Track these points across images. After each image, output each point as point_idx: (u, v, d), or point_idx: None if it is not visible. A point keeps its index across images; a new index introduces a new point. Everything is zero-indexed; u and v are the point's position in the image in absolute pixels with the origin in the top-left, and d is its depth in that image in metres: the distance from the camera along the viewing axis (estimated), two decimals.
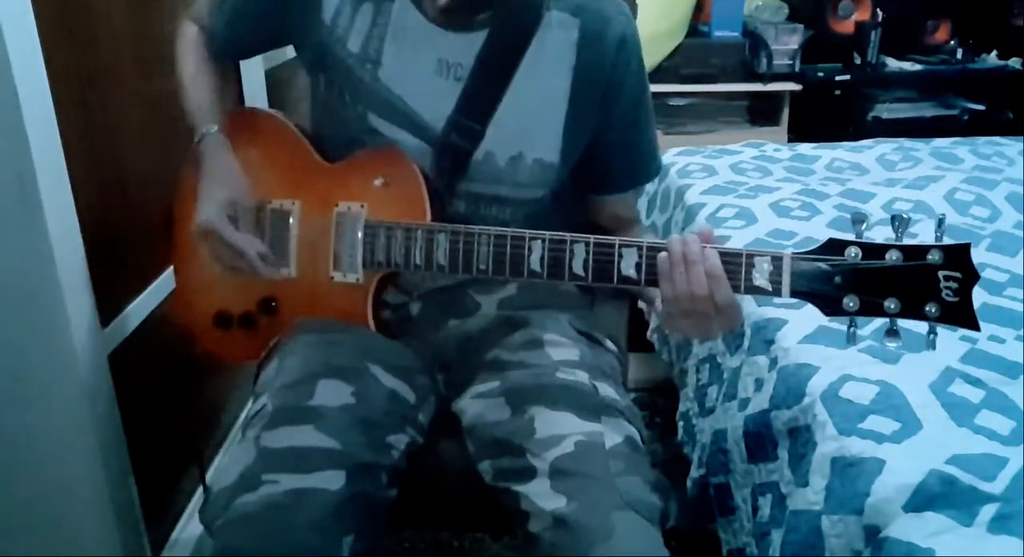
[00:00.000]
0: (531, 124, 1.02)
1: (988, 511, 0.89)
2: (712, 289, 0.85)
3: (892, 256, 0.83)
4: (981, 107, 2.87)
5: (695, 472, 1.36)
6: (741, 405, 1.25)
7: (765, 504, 1.14)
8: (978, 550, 0.85)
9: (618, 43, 1.01)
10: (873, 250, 0.83)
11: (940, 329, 1.20)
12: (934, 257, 0.82)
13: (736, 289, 0.86)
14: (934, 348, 0.85)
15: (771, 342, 1.25)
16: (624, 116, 1.05)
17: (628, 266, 0.90)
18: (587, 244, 0.92)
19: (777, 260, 0.86)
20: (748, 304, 1.36)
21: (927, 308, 0.83)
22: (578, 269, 0.92)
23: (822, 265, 0.85)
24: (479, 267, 0.96)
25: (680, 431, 1.54)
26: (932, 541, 0.87)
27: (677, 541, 1.01)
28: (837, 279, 0.84)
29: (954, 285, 0.82)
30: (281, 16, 1.06)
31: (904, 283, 0.83)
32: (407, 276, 1.07)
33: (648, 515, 0.86)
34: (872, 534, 0.92)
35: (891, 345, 0.85)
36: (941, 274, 0.82)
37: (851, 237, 0.84)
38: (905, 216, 0.84)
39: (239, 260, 1.02)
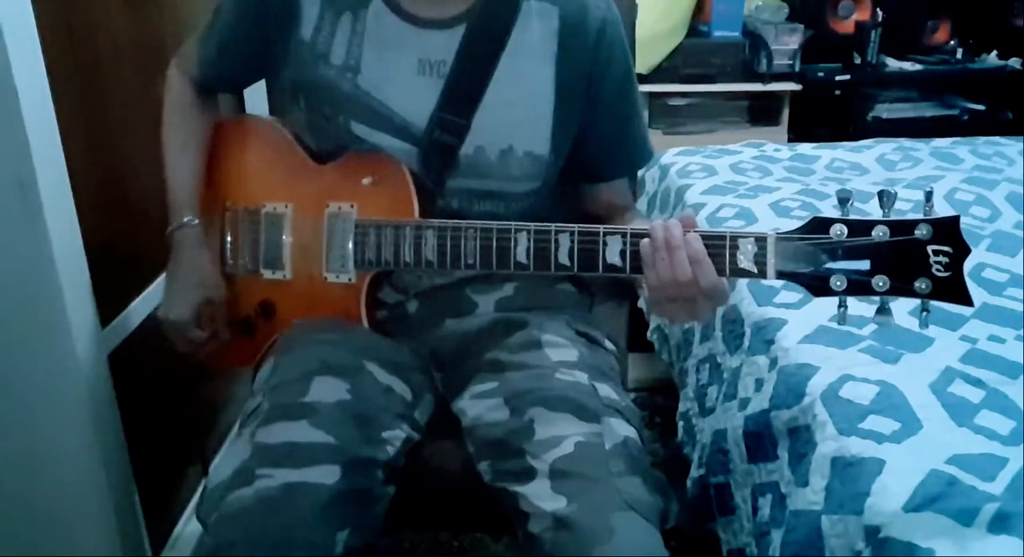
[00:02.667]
0: (519, 116, 1.01)
1: (988, 511, 0.88)
2: (696, 274, 0.84)
3: (879, 232, 0.81)
4: (981, 107, 2.87)
5: (695, 472, 1.36)
6: (741, 405, 1.25)
7: (765, 504, 1.14)
8: (978, 550, 0.85)
9: (598, 29, 1.01)
10: (859, 227, 0.82)
11: (940, 328, 1.22)
12: (922, 232, 0.80)
13: (721, 272, 0.85)
14: (927, 326, 0.83)
15: (771, 342, 1.25)
16: (611, 102, 1.05)
17: (613, 254, 0.90)
18: (571, 233, 0.91)
19: (761, 241, 0.85)
20: (748, 304, 1.36)
21: (917, 284, 0.81)
22: (564, 259, 0.92)
23: (808, 244, 0.83)
24: (467, 262, 0.96)
25: (680, 431, 1.54)
26: (932, 541, 0.86)
27: (677, 541, 1.01)
28: (824, 258, 0.83)
29: (945, 259, 0.80)
30: (263, 39, 1.05)
31: (893, 259, 0.81)
32: (403, 275, 1.08)
33: (648, 515, 0.86)
34: (872, 534, 0.92)
35: (883, 324, 0.84)
36: (930, 249, 0.80)
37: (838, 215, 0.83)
38: (892, 191, 0.82)
39: (198, 353, 1.11)
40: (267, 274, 1.10)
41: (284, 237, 1.08)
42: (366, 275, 1.03)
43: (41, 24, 1.05)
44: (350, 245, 1.02)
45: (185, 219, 1.08)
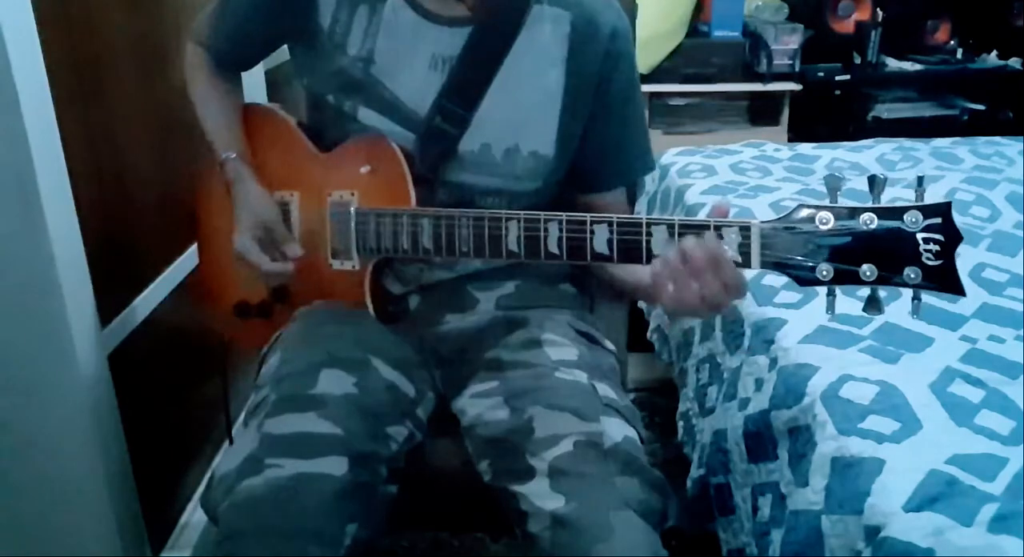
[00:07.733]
0: (526, 116, 1.02)
1: (988, 511, 0.88)
2: (721, 280, 0.81)
3: (866, 219, 0.78)
4: (981, 107, 2.87)
5: (695, 472, 1.36)
6: (741, 405, 1.25)
7: (765, 504, 1.14)
8: (978, 550, 0.85)
9: (610, 36, 1.02)
10: (846, 214, 0.79)
11: (940, 328, 1.22)
12: (912, 218, 0.76)
13: None
14: (918, 314, 0.80)
15: (771, 342, 1.25)
16: (614, 110, 1.05)
17: (600, 243, 0.89)
18: (560, 222, 0.91)
19: (745, 230, 0.81)
20: (748, 304, 1.36)
21: (906, 273, 0.77)
22: (553, 247, 0.91)
23: (793, 233, 0.80)
24: (461, 249, 0.96)
25: (680, 431, 1.54)
26: (932, 541, 0.87)
27: (677, 541, 1.01)
28: (810, 247, 0.79)
29: (935, 247, 0.76)
30: (279, 22, 1.06)
31: (881, 247, 0.77)
32: (406, 268, 1.09)
33: (647, 515, 0.86)
34: (872, 534, 0.92)
35: (872, 315, 0.81)
36: (920, 236, 0.76)
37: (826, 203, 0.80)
38: (882, 177, 0.79)
39: (268, 278, 1.08)
40: None
41: (292, 224, 1.10)
42: (369, 262, 1.05)
43: (41, 23, 1.05)
44: (352, 233, 1.04)
45: (224, 155, 1.09)
